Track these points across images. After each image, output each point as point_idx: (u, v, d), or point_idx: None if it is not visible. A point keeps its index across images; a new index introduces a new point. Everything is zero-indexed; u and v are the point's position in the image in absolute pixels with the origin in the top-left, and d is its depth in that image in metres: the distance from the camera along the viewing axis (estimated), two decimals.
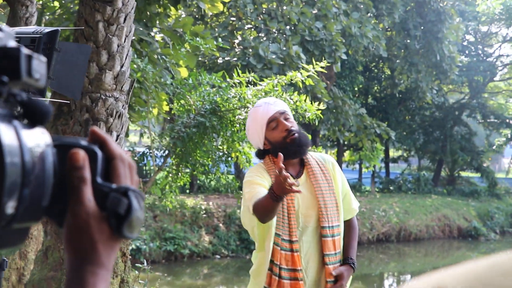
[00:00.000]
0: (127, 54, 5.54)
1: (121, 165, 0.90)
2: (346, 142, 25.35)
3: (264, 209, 3.59)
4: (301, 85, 8.81)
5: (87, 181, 0.85)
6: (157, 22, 8.76)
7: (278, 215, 3.75)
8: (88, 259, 0.86)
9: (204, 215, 16.34)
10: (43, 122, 0.79)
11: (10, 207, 0.72)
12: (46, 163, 0.79)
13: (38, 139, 0.78)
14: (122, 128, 5.71)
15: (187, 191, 21.05)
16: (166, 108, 9.00)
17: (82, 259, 0.86)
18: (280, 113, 3.73)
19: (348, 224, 3.95)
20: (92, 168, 0.86)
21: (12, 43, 0.77)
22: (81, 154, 0.84)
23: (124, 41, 5.52)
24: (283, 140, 3.71)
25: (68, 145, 0.85)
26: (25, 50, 0.75)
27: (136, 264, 7.34)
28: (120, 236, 0.87)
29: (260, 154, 3.93)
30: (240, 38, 15.85)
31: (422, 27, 23.81)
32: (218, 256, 15.63)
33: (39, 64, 0.78)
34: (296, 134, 3.71)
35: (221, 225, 16.35)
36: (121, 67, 5.48)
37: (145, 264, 7.08)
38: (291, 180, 3.35)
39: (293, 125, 3.75)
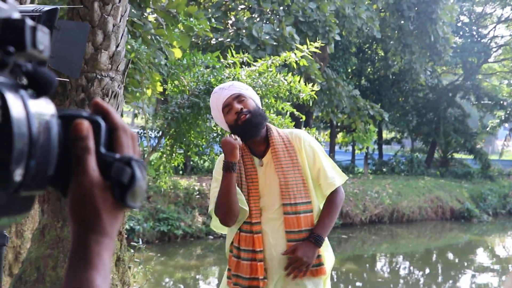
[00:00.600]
0: (122, 34, 5.54)
1: (124, 136, 0.91)
2: (339, 124, 25.35)
3: (224, 193, 3.70)
4: (295, 65, 8.82)
5: (91, 151, 0.86)
6: (151, 2, 8.73)
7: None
8: (92, 228, 0.88)
9: (198, 196, 16.36)
10: (48, 92, 0.80)
11: (18, 174, 0.73)
12: (52, 133, 0.80)
13: (44, 109, 0.80)
14: (118, 108, 5.73)
15: (181, 172, 21.05)
16: (160, 89, 9.00)
17: (86, 228, 0.88)
18: (233, 97, 3.77)
19: (327, 199, 3.93)
20: (96, 139, 0.88)
21: (17, 15, 0.79)
22: (85, 125, 0.86)
23: (120, 21, 5.52)
24: (235, 123, 3.75)
25: (72, 116, 0.87)
26: (29, 22, 0.76)
27: (132, 243, 7.38)
28: (124, 205, 0.88)
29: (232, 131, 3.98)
30: (233, 19, 15.82)
31: (416, 8, 23.74)
32: (211, 237, 15.68)
33: (43, 35, 0.79)
34: (247, 115, 3.73)
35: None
36: (117, 47, 5.48)
37: (140, 242, 7.10)
38: (230, 139, 3.57)
39: (246, 106, 3.77)
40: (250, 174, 3.83)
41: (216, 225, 3.97)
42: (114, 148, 0.90)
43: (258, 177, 3.83)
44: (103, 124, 0.89)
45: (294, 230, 3.75)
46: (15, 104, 0.73)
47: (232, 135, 3.65)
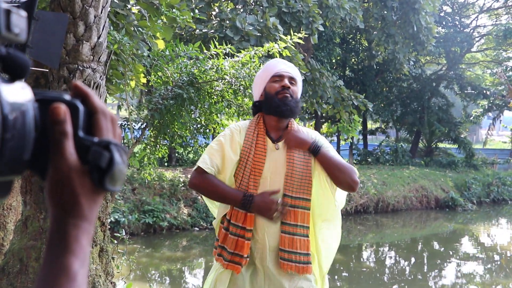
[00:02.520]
0: (104, 25, 5.52)
1: (103, 119, 0.90)
2: (324, 114, 25.38)
3: (216, 195, 3.76)
4: (278, 56, 8.82)
5: (68, 135, 0.85)
6: None
7: (238, 175, 3.81)
8: (70, 212, 0.87)
9: (183, 188, 16.35)
10: (22, 76, 0.79)
11: None
12: (27, 117, 0.79)
13: (18, 93, 0.78)
14: (100, 99, 5.71)
15: (166, 164, 21.02)
16: (144, 80, 8.98)
17: (64, 212, 0.87)
18: (289, 76, 3.82)
19: None
20: (74, 122, 0.86)
21: None
22: (62, 108, 0.85)
23: (101, 12, 5.49)
24: (275, 94, 3.77)
25: (50, 100, 0.86)
26: (3, 5, 0.75)
27: (115, 234, 7.37)
28: (103, 189, 0.88)
29: (254, 108, 3.99)
30: (217, 10, 15.78)
31: None
32: (196, 229, 15.68)
33: (19, 18, 0.77)
34: (289, 96, 3.76)
35: (199, 197, 16.35)
36: (98, 38, 5.46)
37: (124, 233, 7.10)
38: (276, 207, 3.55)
39: (293, 90, 3.80)
40: (259, 154, 3.81)
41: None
42: (93, 131, 0.89)
43: (266, 158, 3.80)
44: (81, 107, 0.88)
45: (290, 223, 3.73)
46: None
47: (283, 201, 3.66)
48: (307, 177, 3.80)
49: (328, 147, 3.90)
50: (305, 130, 4.00)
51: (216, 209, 4.10)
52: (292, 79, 3.82)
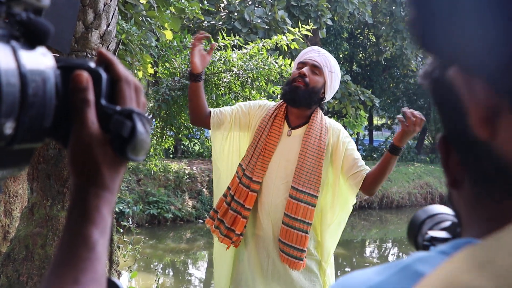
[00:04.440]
0: (113, 14, 5.51)
1: (127, 88, 0.88)
2: (330, 109, 25.37)
3: (190, 100, 3.81)
4: (286, 49, 8.81)
5: (90, 103, 0.83)
6: None
7: (248, 152, 3.83)
8: (92, 181, 0.85)
9: (188, 180, 16.35)
10: (43, 42, 0.78)
11: (8, 127, 0.70)
12: (48, 84, 0.77)
13: (38, 60, 0.76)
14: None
15: (171, 155, 21.04)
16: (151, 71, 8.98)
17: (85, 181, 0.85)
18: (312, 64, 3.77)
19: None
20: (96, 90, 0.85)
21: None
22: (85, 76, 0.83)
23: (111, 0, 5.49)
24: (291, 81, 3.78)
25: (73, 67, 0.83)
26: None
27: (122, 222, 7.37)
28: (125, 158, 0.86)
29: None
30: (225, 2, 15.76)
31: None
32: (201, 221, 15.68)
33: None
34: (302, 84, 3.72)
35: (204, 190, 16.37)
36: (107, 26, 5.45)
37: (130, 222, 7.10)
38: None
39: (312, 79, 3.75)
40: (272, 136, 3.80)
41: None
42: (116, 100, 0.87)
43: (279, 143, 3.80)
44: (104, 75, 0.86)
45: (290, 215, 3.71)
46: (3, 54, 0.69)
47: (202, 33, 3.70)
48: (317, 173, 3.76)
49: (353, 146, 3.90)
50: (330, 121, 3.95)
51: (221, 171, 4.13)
52: (315, 67, 3.76)
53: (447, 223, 1.16)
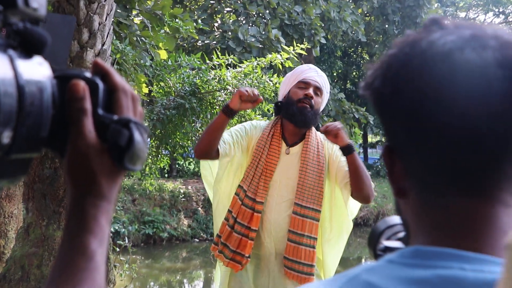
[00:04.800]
0: (108, 33, 5.53)
1: (124, 97, 0.88)
2: None
3: (213, 127, 3.62)
4: (280, 67, 8.83)
5: (87, 113, 0.83)
6: (136, 4, 8.72)
7: (249, 173, 3.79)
8: (89, 191, 0.85)
9: (183, 199, 16.33)
10: (40, 51, 0.77)
11: (6, 137, 0.70)
12: (44, 93, 0.77)
13: (35, 69, 0.76)
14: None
15: (166, 175, 21.01)
16: (146, 90, 9.00)
17: (83, 191, 0.85)
18: (315, 85, 3.75)
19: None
20: (93, 100, 0.85)
21: None
22: (81, 85, 0.83)
23: (105, 20, 5.51)
24: (296, 102, 3.73)
25: (69, 76, 0.84)
26: None
27: (118, 242, 7.35)
28: (122, 168, 0.85)
29: (276, 108, 3.95)
30: (219, 22, 15.81)
31: (400, 12, 23.84)
32: (196, 240, 15.65)
33: None
34: (309, 106, 3.71)
35: (200, 209, 16.35)
36: (102, 45, 5.47)
37: (126, 241, 7.08)
38: (251, 91, 3.49)
39: (316, 102, 3.75)
40: (271, 155, 3.79)
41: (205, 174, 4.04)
42: (113, 109, 0.87)
43: (279, 161, 3.79)
44: (101, 84, 0.86)
45: (297, 232, 3.70)
46: (0, 64, 0.69)
47: (254, 90, 3.62)
48: (319, 188, 3.77)
49: (339, 165, 3.89)
50: (323, 136, 3.95)
51: (211, 190, 4.11)
52: (317, 89, 3.77)
53: (402, 234, 1.17)
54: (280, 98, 3.92)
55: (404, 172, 0.80)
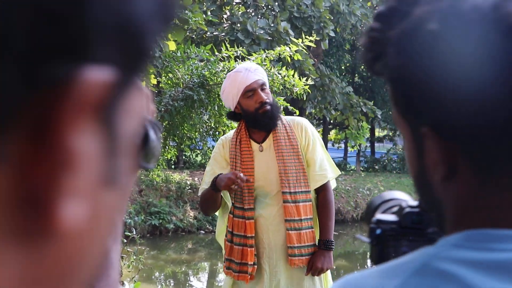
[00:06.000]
0: None
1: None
2: (332, 121, 25.39)
3: (206, 201, 3.83)
4: (289, 60, 8.81)
5: None
6: None
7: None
8: None
9: (190, 191, 16.32)
10: None
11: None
12: None
13: None
14: None
15: (173, 166, 21.01)
16: (154, 81, 8.98)
17: None
18: (259, 84, 3.71)
19: (319, 200, 3.92)
20: None
21: None
22: None
23: None
24: (255, 111, 3.71)
25: None
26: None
27: (126, 233, 7.34)
28: (137, 166, 0.85)
29: (231, 115, 3.96)
30: (228, 13, 15.78)
31: None
32: (202, 232, 15.64)
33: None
34: (269, 107, 3.71)
35: None
36: None
37: (134, 232, 7.07)
38: (240, 176, 3.51)
39: (268, 97, 3.74)
40: (246, 159, 3.81)
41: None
42: None
43: (255, 162, 3.82)
44: None
45: (295, 219, 3.73)
46: None
47: (242, 175, 3.63)
48: (301, 170, 3.80)
49: (316, 141, 3.93)
50: (289, 118, 3.98)
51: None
52: (262, 85, 3.75)
53: (396, 208, 1.16)
54: (230, 107, 3.89)
55: (453, 153, 0.77)
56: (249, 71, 3.74)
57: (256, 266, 3.78)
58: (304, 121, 3.98)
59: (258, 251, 3.84)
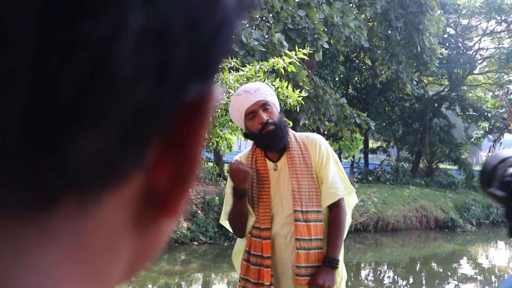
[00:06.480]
0: None
1: None
2: (326, 132, 25.40)
3: (234, 215, 3.76)
4: (283, 71, 8.82)
5: None
6: None
7: (248, 200, 3.79)
8: None
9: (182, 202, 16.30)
10: None
11: None
12: None
13: None
14: None
15: None
16: None
17: None
18: (259, 104, 3.67)
19: (330, 217, 3.89)
20: None
21: None
22: None
23: None
24: (259, 133, 3.69)
25: None
26: None
27: None
28: None
29: (246, 136, 3.93)
30: None
31: (403, 18, 23.82)
32: (196, 243, 15.62)
33: None
34: (272, 127, 3.67)
35: (199, 211, 16.33)
36: None
37: None
38: (241, 166, 3.51)
39: (271, 116, 3.69)
40: (262, 178, 3.81)
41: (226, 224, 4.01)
42: None
43: (270, 182, 3.80)
44: None
45: (305, 238, 3.72)
46: None
47: (236, 160, 3.64)
48: (314, 188, 3.78)
49: (330, 158, 3.90)
50: (304, 135, 3.97)
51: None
52: (264, 105, 3.69)
53: None
54: (241, 127, 3.89)
55: None
56: (248, 93, 3.70)
57: (273, 287, 3.78)
58: (318, 137, 3.97)
59: (275, 271, 3.83)
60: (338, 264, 3.78)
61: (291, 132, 3.91)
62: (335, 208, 3.89)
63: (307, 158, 3.82)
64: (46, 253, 0.35)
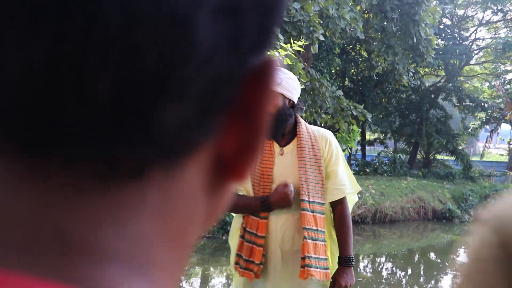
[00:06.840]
0: None
1: None
2: (322, 124, 25.36)
3: (240, 209, 3.78)
4: (279, 64, 8.80)
5: None
6: None
7: (252, 182, 3.79)
8: None
9: None
10: None
11: None
12: None
13: None
14: None
15: None
16: None
17: None
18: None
19: (336, 215, 3.92)
20: None
21: None
22: None
23: None
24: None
25: None
26: None
27: None
28: None
29: None
30: None
31: (399, 9, 23.76)
32: None
33: None
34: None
35: None
36: None
37: None
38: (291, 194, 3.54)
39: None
40: (266, 159, 3.80)
41: None
42: None
43: (274, 164, 3.80)
44: None
45: (312, 228, 3.73)
46: None
47: (291, 186, 3.65)
48: (320, 181, 3.80)
49: (339, 155, 3.92)
50: (316, 129, 3.97)
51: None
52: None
53: None
54: None
55: None
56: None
57: (262, 266, 3.79)
58: (329, 134, 4.00)
59: (267, 253, 3.84)
60: (353, 261, 3.86)
61: (303, 122, 3.92)
62: (340, 206, 3.93)
63: (317, 150, 3.83)
64: (140, 221, 0.39)
